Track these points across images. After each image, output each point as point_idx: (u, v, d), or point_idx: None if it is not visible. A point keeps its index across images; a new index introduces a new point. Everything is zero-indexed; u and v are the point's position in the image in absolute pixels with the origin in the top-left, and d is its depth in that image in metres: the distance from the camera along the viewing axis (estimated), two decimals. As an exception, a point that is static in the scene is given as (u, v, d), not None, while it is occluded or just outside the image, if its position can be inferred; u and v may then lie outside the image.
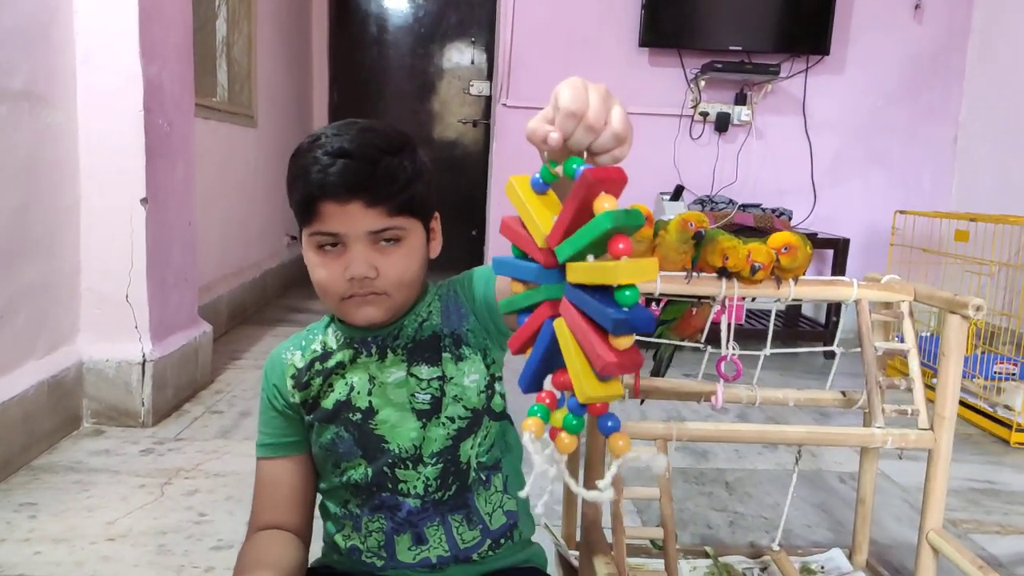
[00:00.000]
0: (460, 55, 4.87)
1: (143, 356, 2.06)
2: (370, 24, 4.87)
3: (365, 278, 0.80)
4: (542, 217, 0.54)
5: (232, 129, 3.28)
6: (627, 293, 0.48)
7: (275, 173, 4.00)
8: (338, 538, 0.90)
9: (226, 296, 3.16)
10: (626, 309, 0.48)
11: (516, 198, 0.56)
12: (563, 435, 0.53)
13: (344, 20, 4.87)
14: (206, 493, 1.69)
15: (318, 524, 0.94)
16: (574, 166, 0.51)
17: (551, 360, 0.54)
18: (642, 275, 0.48)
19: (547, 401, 0.54)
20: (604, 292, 0.49)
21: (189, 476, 1.78)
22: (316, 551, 1.00)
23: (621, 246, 0.48)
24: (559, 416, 0.54)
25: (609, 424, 0.53)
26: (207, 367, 2.47)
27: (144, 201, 2.03)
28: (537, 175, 0.55)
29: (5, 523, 1.52)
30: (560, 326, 0.53)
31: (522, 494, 0.56)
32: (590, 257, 0.50)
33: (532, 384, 0.56)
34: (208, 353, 2.48)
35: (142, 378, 2.06)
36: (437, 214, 0.88)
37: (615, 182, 0.50)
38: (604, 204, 0.48)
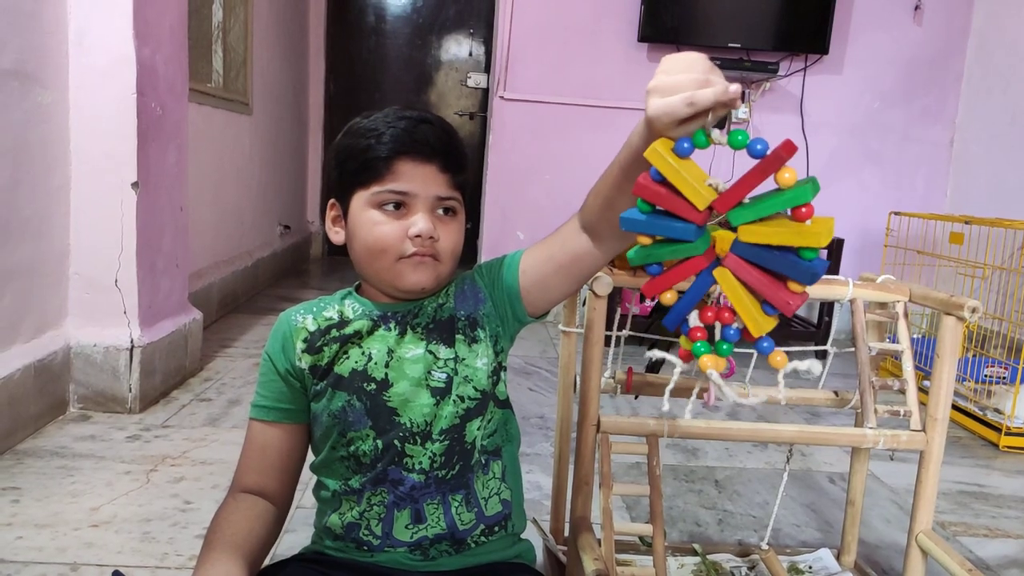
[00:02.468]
0: (458, 47, 4.85)
1: (131, 342, 2.04)
2: (368, 14, 4.84)
3: (430, 237, 0.83)
4: (698, 180, 0.60)
5: (227, 116, 3.26)
6: (809, 251, 0.59)
7: (270, 162, 3.98)
8: (334, 518, 0.90)
9: (217, 284, 3.14)
10: (813, 261, 0.59)
11: (663, 162, 0.61)
12: (707, 359, 0.66)
13: (342, 9, 4.84)
14: (192, 481, 1.68)
15: (298, 502, 0.93)
16: (739, 138, 0.59)
17: (695, 303, 0.66)
18: (829, 237, 0.58)
19: (699, 336, 0.66)
20: (786, 250, 0.60)
21: (175, 463, 1.76)
22: (304, 539, 0.99)
23: (805, 210, 0.58)
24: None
25: (765, 344, 0.65)
26: (196, 354, 2.45)
27: (135, 185, 2.01)
28: (685, 142, 0.60)
29: (-13, 507, 1.50)
30: (724, 276, 0.63)
31: None
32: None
33: (677, 321, 0.67)
34: (198, 340, 2.46)
35: (130, 364, 2.04)
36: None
37: (790, 157, 0.57)
38: (786, 176, 0.57)
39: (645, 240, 0.64)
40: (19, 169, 1.79)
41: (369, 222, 0.84)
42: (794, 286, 0.61)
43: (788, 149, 0.56)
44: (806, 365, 0.70)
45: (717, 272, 0.63)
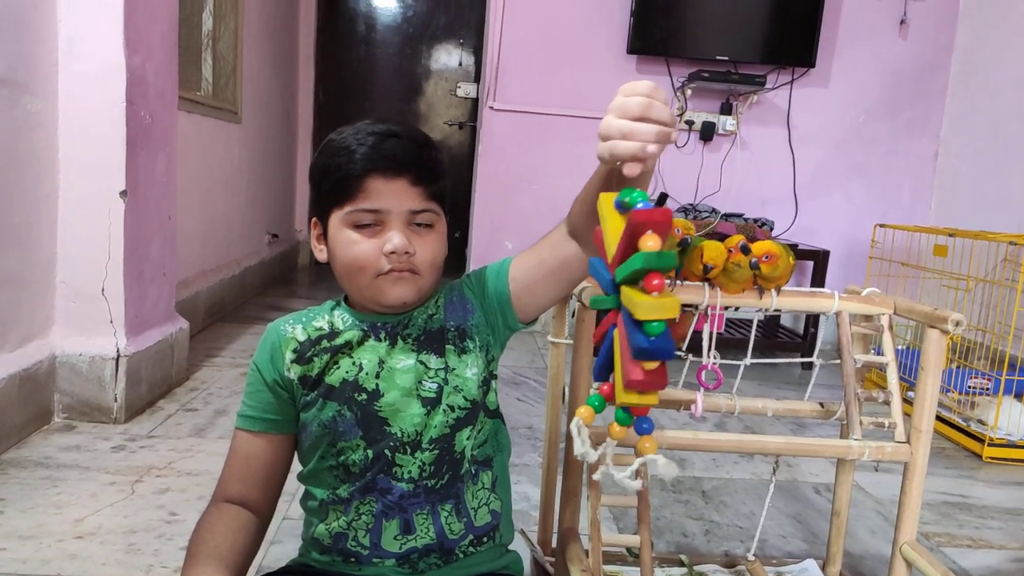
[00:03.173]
0: (448, 56, 4.86)
1: (117, 351, 2.03)
2: (358, 23, 4.85)
3: (405, 252, 0.83)
4: (613, 237, 0.60)
5: (216, 124, 3.25)
6: (653, 324, 0.55)
7: (259, 171, 3.97)
8: (321, 528, 0.90)
9: (204, 292, 3.12)
10: (653, 338, 0.55)
11: (600, 214, 0.62)
12: (583, 410, 0.63)
13: (332, 18, 4.85)
14: (178, 492, 1.67)
15: (284, 513, 0.93)
16: (636, 198, 0.58)
17: (612, 359, 0.63)
18: (661, 313, 0.55)
19: (605, 392, 0.63)
20: (635, 320, 0.57)
21: (161, 474, 1.75)
22: (291, 551, 0.98)
23: (655, 282, 0.55)
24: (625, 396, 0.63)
25: (644, 426, 0.62)
26: (183, 364, 2.44)
27: (123, 193, 2.00)
28: (626, 196, 0.60)
29: (-30, 518, 1.49)
30: (616, 335, 0.61)
31: None
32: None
33: (600, 375, 0.65)
34: (184, 350, 2.45)
35: (115, 373, 2.03)
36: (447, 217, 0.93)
37: (660, 223, 0.55)
38: (648, 243, 0.55)
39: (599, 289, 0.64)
40: (7, 177, 1.78)
41: (346, 241, 0.85)
42: (643, 362, 0.57)
43: (650, 215, 0.55)
44: (626, 473, 0.64)
45: (615, 332, 0.62)
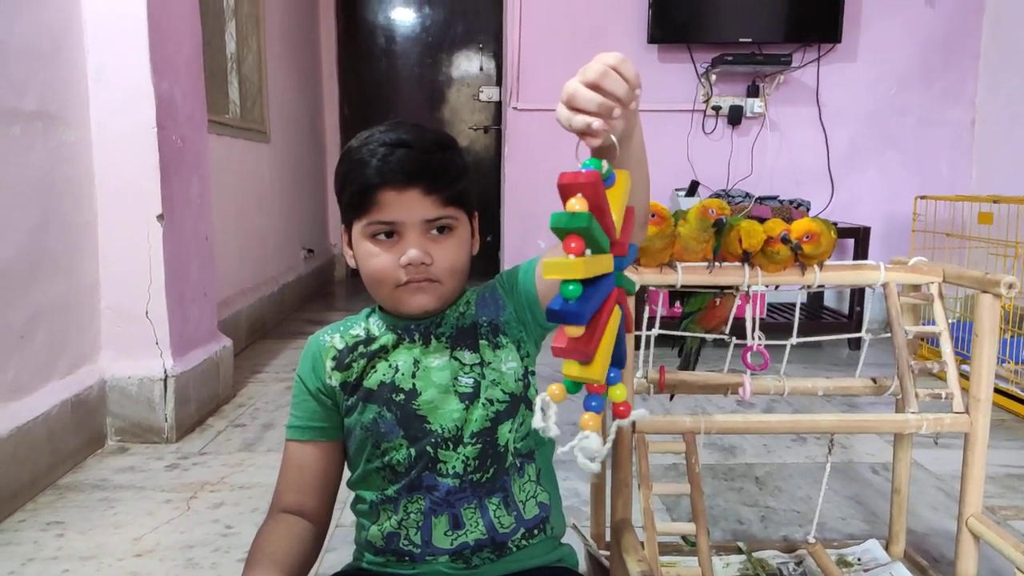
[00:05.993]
0: (468, 62, 4.87)
1: (164, 372, 2.07)
2: (378, 36, 4.89)
3: (421, 264, 0.83)
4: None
5: (246, 145, 3.30)
6: (569, 287, 0.54)
7: (290, 188, 4.02)
8: (373, 530, 0.90)
9: (245, 311, 3.16)
10: (565, 300, 0.54)
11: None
12: (555, 387, 0.60)
13: (352, 33, 4.89)
14: (232, 506, 1.69)
15: (338, 521, 0.93)
16: (586, 166, 0.58)
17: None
18: (562, 273, 0.54)
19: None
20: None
21: (214, 489, 1.77)
22: (346, 558, 0.99)
23: (573, 245, 0.54)
24: (615, 391, 0.62)
25: (592, 404, 0.60)
26: (229, 381, 2.47)
27: (160, 217, 2.04)
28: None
29: (32, 542, 1.52)
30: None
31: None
32: (588, 251, 0.55)
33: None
34: (229, 367, 2.48)
35: (164, 394, 2.06)
36: (477, 214, 0.92)
37: (584, 185, 0.55)
38: (573, 204, 0.54)
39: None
40: (47, 208, 1.82)
41: (365, 253, 0.86)
42: (566, 328, 0.56)
43: (574, 177, 0.55)
44: (565, 448, 0.62)
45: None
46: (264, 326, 3.45)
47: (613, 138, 0.62)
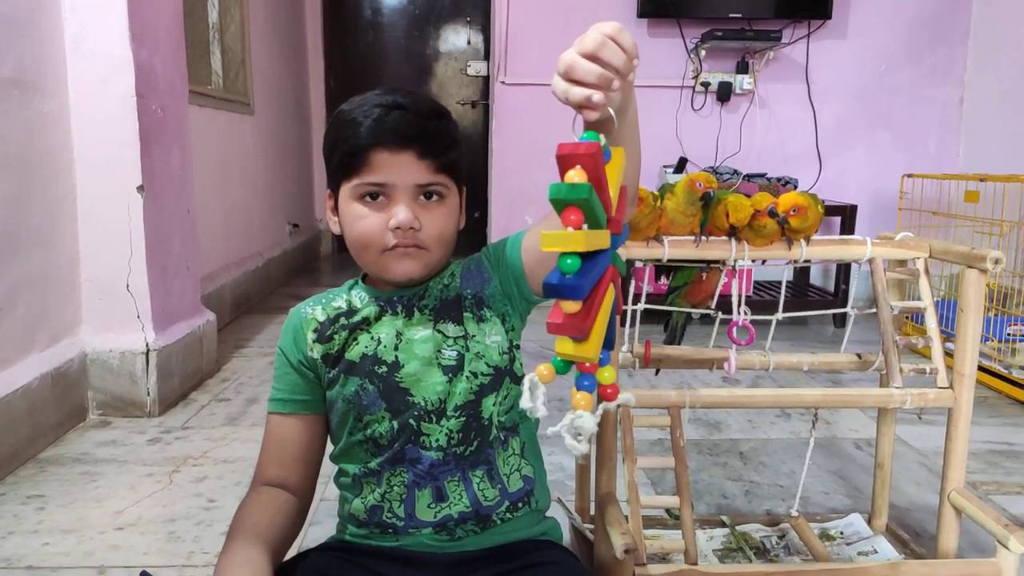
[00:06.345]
0: (456, 36, 4.82)
1: (147, 345, 2.04)
2: (364, 8, 4.82)
3: (410, 228, 0.82)
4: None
5: (229, 117, 3.25)
6: (568, 261, 0.52)
7: (275, 161, 3.97)
8: (357, 503, 0.89)
9: (229, 285, 3.14)
10: (563, 275, 0.52)
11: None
12: (544, 368, 0.58)
13: (338, 5, 4.82)
14: (215, 480, 1.68)
15: (322, 494, 0.92)
16: (584, 138, 0.55)
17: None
18: (562, 245, 0.52)
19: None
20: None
21: (197, 464, 1.76)
22: (331, 531, 0.98)
23: (572, 217, 0.52)
24: (604, 373, 0.60)
25: (585, 383, 0.58)
26: (212, 356, 2.45)
27: (140, 188, 2.00)
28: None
29: (13, 516, 1.50)
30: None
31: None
32: (585, 225, 0.54)
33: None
34: (213, 342, 2.46)
35: (146, 367, 2.04)
36: (464, 188, 0.91)
37: (584, 156, 0.53)
38: (572, 176, 0.52)
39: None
40: (25, 179, 1.78)
41: (353, 215, 0.84)
42: (562, 303, 0.54)
43: (574, 147, 0.53)
44: (556, 428, 0.60)
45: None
46: (249, 301, 3.42)
47: (611, 111, 0.60)
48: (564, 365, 0.57)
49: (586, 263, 0.54)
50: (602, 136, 0.57)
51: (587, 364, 0.58)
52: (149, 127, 2.04)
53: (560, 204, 0.53)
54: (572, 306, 0.54)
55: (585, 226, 0.53)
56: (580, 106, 0.59)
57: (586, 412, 0.58)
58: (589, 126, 0.62)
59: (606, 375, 0.60)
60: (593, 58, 0.59)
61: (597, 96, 0.58)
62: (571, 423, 0.58)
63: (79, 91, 1.94)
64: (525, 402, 0.58)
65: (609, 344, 0.61)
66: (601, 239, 0.56)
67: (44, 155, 1.86)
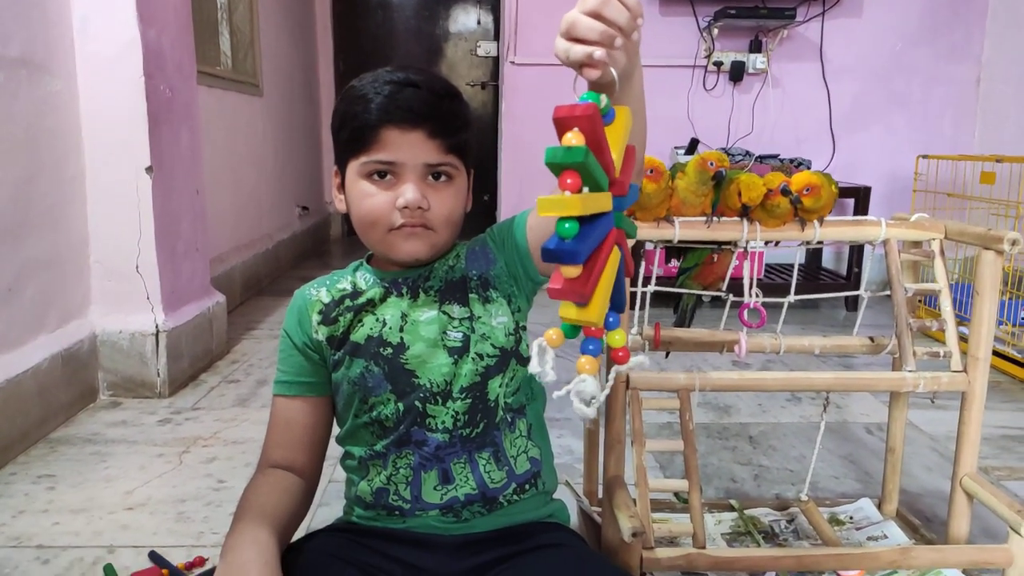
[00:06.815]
0: (466, 16, 4.78)
1: (156, 327, 2.05)
2: (373, -13, 4.78)
3: (418, 208, 0.81)
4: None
5: (238, 98, 3.24)
6: (566, 225, 0.51)
7: (284, 143, 3.96)
8: (363, 486, 0.89)
9: (239, 267, 3.14)
10: (561, 239, 0.52)
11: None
12: (552, 332, 0.57)
13: (346, -16, 4.78)
14: (224, 460, 1.68)
15: (331, 476, 0.92)
16: (584, 99, 0.54)
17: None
18: (558, 210, 0.51)
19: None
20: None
21: (207, 444, 1.77)
22: (339, 511, 0.98)
23: (569, 181, 0.51)
24: (614, 336, 0.59)
25: (590, 347, 0.57)
26: (222, 337, 2.46)
27: (149, 169, 2.00)
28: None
29: (23, 495, 1.52)
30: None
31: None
32: (585, 188, 0.53)
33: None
34: (223, 323, 2.46)
35: (156, 348, 2.05)
36: (472, 171, 0.90)
37: (580, 118, 0.51)
38: (568, 139, 0.51)
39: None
40: (33, 160, 1.78)
41: (360, 193, 0.83)
42: (562, 268, 0.53)
43: (570, 110, 0.52)
44: (562, 392, 0.58)
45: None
46: (259, 283, 3.42)
47: (614, 72, 0.58)
48: (572, 330, 0.56)
49: (585, 227, 0.53)
50: (603, 96, 0.55)
51: (592, 328, 0.57)
52: (158, 108, 2.03)
53: (556, 168, 0.52)
54: (572, 270, 0.53)
55: (586, 189, 0.52)
56: (581, 65, 0.58)
57: (589, 376, 0.57)
58: (592, 87, 0.60)
59: (616, 338, 0.60)
60: (596, 16, 0.57)
61: (599, 52, 0.57)
62: (575, 386, 0.57)
63: (87, 72, 1.93)
64: (534, 367, 0.57)
65: (618, 307, 0.60)
66: (601, 202, 0.55)
67: (53, 136, 1.85)
